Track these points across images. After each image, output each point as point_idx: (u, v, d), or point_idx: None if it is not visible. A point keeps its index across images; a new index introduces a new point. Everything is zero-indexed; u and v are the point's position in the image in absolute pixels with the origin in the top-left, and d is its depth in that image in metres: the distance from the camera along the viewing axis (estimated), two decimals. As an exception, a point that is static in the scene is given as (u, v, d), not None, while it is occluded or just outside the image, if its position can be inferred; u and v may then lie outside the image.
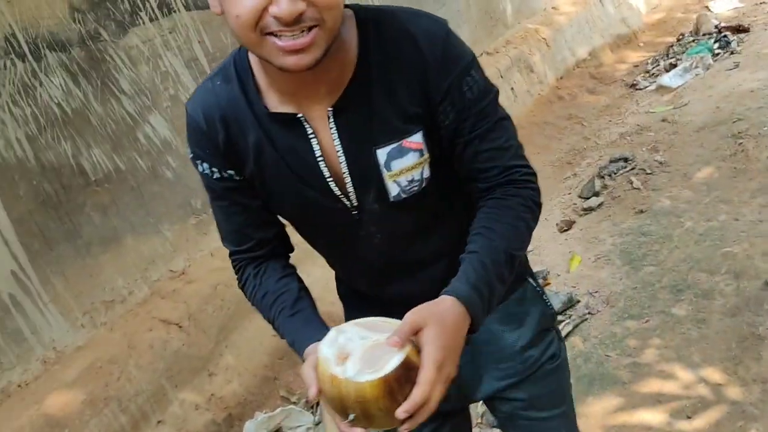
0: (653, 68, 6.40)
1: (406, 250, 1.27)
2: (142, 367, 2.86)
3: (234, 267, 1.31)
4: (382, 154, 1.12)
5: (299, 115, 1.10)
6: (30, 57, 2.82)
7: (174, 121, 3.40)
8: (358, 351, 0.99)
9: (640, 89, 6.02)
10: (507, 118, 1.18)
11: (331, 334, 1.03)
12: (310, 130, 1.11)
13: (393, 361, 0.96)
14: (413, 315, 1.00)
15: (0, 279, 2.61)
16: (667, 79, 5.79)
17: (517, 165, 1.17)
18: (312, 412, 2.95)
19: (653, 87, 5.90)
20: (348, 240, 1.25)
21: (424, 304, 1.03)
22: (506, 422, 1.49)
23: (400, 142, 1.12)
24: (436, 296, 1.07)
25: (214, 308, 3.19)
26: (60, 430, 2.57)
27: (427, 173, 1.17)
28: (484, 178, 1.18)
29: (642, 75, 6.38)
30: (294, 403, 3.04)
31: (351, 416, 0.98)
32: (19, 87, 2.76)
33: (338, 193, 1.16)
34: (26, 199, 2.73)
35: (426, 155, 1.15)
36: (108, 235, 3.02)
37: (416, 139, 1.13)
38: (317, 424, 2.88)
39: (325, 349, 1.02)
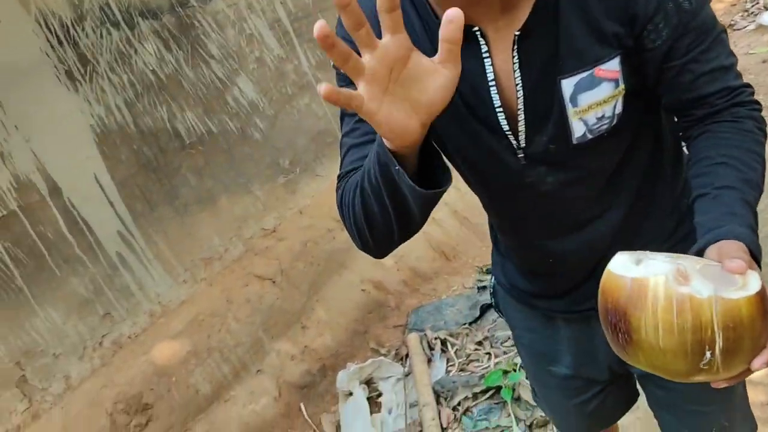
0: (752, 6, 6.01)
1: (581, 199, 1.09)
2: (241, 320, 3.00)
3: (340, 187, 1.01)
4: (568, 85, 0.94)
5: (475, 28, 0.93)
6: (124, 25, 2.94)
7: (260, 82, 3.48)
8: (693, 271, 0.77)
9: (739, 30, 5.68)
10: (725, 30, 0.97)
11: (622, 257, 0.81)
12: (485, 49, 0.95)
13: (754, 280, 0.76)
14: (741, 251, 0.82)
15: (108, 239, 2.78)
16: (767, 17, 5.44)
17: (743, 85, 0.98)
18: (402, 364, 3.03)
19: (752, 27, 5.56)
20: (511, 184, 1.07)
21: (731, 243, 0.84)
22: (659, 409, 1.36)
23: (591, 71, 0.94)
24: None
25: (305, 264, 3.30)
26: (168, 379, 2.76)
27: (619, 108, 0.98)
28: (705, 104, 0.98)
29: (740, 14, 6.01)
30: (384, 355, 3.12)
31: (708, 355, 0.75)
32: (115, 55, 2.89)
33: (506, 128, 0.99)
34: (128, 163, 2.88)
35: (621, 86, 0.96)
36: (203, 196, 3.15)
37: (612, 66, 0.94)
38: (407, 375, 2.95)
39: (638, 268, 0.78)
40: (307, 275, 3.26)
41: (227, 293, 3.05)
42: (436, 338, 3.09)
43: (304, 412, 2.92)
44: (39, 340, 2.57)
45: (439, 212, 3.58)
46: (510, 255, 1.29)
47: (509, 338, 2.96)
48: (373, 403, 2.88)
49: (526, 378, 1.56)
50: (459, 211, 3.80)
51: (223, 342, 2.91)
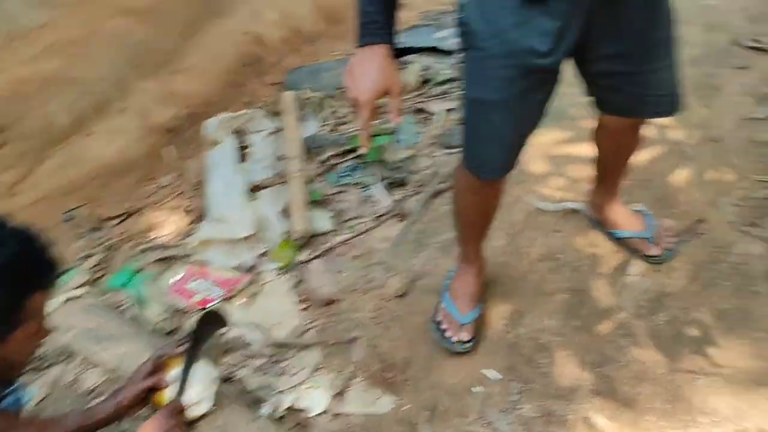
0: None
1: None
2: (104, 54, 2.83)
3: None
4: None
5: None
6: None
7: None
8: None
9: None
10: None
11: None
12: None
13: None
14: None
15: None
16: None
17: None
18: (274, 120, 3.02)
19: None
20: None
21: None
22: (603, 88, 1.38)
23: None
24: None
25: (182, 4, 3.10)
26: (24, 103, 2.61)
27: None
28: None
29: None
30: (258, 108, 3.08)
31: None
32: None
33: None
34: None
35: None
36: None
37: None
38: (278, 130, 2.95)
39: None
40: (182, 16, 3.07)
41: (90, 23, 2.84)
42: (310, 98, 3.08)
43: (169, 156, 2.89)
44: None
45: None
46: None
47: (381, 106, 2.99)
48: (241, 154, 2.88)
49: (468, 95, 1.46)
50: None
51: (84, 74, 2.75)
